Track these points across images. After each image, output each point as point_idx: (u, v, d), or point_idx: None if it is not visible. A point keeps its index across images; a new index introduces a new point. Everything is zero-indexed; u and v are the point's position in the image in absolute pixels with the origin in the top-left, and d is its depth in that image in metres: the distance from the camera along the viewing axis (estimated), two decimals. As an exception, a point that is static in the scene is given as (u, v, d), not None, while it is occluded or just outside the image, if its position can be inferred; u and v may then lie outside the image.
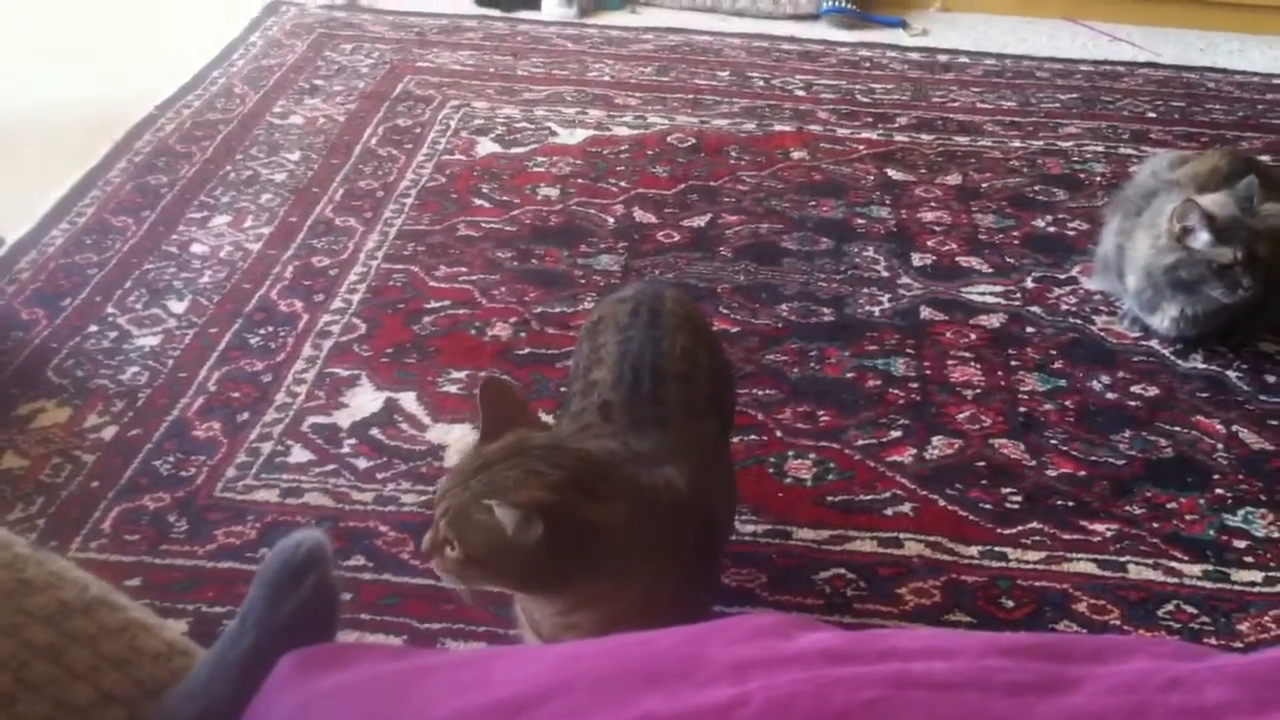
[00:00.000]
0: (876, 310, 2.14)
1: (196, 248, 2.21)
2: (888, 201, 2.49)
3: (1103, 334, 2.11)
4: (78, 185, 2.39)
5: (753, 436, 1.83)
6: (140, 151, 2.53)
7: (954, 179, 2.58)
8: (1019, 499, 1.73)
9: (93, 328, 1.99)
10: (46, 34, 3.14)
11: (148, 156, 2.51)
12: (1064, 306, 2.18)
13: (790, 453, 1.80)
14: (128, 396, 1.83)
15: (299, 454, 1.74)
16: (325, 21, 3.22)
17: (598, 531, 1.18)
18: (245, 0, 3.28)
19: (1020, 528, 1.68)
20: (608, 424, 1.33)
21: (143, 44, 3.09)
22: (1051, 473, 1.78)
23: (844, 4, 3.38)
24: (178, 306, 2.05)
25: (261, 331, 2.00)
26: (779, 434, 1.84)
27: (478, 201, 2.42)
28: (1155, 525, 1.70)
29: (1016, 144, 2.73)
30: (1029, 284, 2.23)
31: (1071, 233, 2.40)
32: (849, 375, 1.97)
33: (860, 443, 1.82)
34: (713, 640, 0.78)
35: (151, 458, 1.72)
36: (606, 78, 3.00)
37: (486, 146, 2.64)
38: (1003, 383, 1.97)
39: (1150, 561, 1.64)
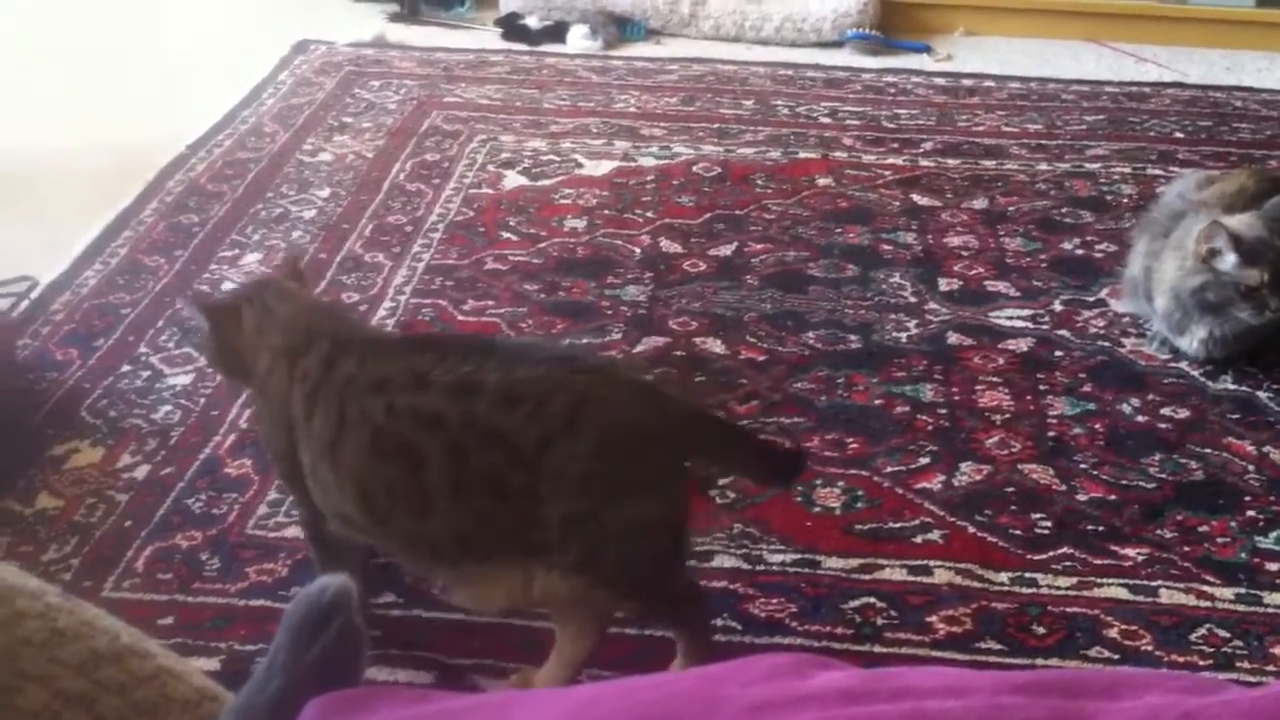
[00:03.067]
0: (904, 336, 2.14)
1: (228, 285, 2.24)
2: (914, 227, 2.49)
3: (1132, 356, 2.10)
4: (110, 226, 2.42)
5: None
6: (172, 191, 2.56)
7: (980, 203, 2.58)
8: (1049, 524, 1.72)
9: (126, 367, 2.01)
10: (78, 76, 3.18)
11: (179, 196, 2.54)
12: (1092, 329, 2.17)
13: (818, 481, 1.80)
14: (160, 435, 1.85)
15: (329, 490, 1.75)
16: (353, 59, 3.26)
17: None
18: (274, 39, 3.32)
19: (1050, 553, 1.67)
20: None
21: (174, 84, 3.13)
22: (1081, 497, 1.78)
23: (868, 30, 3.39)
24: (209, 344, 2.07)
25: (292, 368, 2.01)
26: (807, 462, 1.83)
27: (505, 234, 2.44)
28: (1187, 549, 1.69)
29: (1043, 167, 2.73)
30: (1057, 307, 2.23)
31: (1099, 255, 2.40)
32: (877, 402, 1.97)
33: (889, 470, 1.82)
34: (729, 681, 0.79)
35: (184, 496, 1.74)
36: (632, 109, 3.02)
37: (513, 179, 2.66)
38: (1032, 407, 1.96)
39: (1182, 586, 1.63)
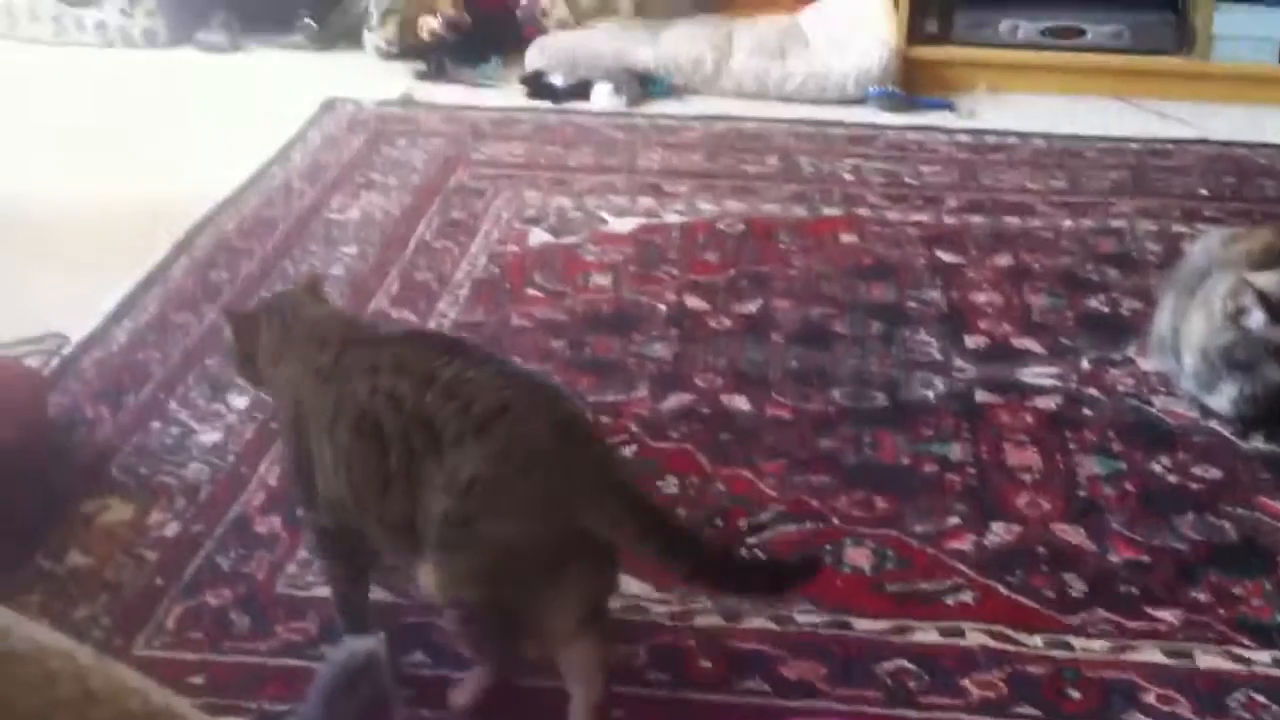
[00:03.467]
0: (931, 394, 2.14)
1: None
2: (939, 284, 2.49)
3: (1162, 415, 2.09)
4: (141, 282, 2.44)
5: (809, 524, 1.82)
6: (201, 248, 2.58)
7: (1005, 260, 2.58)
8: (1082, 586, 1.71)
9: (156, 424, 2.02)
10: (110, 133, 3.22)
11: (209, 253, 2.57)
12: (1121, 387, 2.16)
13: (847, 540, 1.79)
14: (190, 493, 1.86)
15: (358, 548, 1.75)
16: (381, 117, 3.29)
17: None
18: (304, 98, 3.36)
19: (1084, 616, 1.66)
20: None
21: (204, 142, 3.16)
22: (1114, 558, 1.76)
23: (891, 88, 3.41)
24: (239, 402, 2.08)
25: (320, 425, 2.02)
26: (836, 521, 1.83)
27: (530, 291, 2.45)
28: (1222, 611, 1.67)
29: (1067, 224, 2.73)
30: (1085, 365, 2.22)
31: (1126, 312, 2.39)
32: (905, 461, 1.97)
33: (918, 529, 1.81)
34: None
35: (214, 554, 1.74)
36: (656, 166, 3.04)
37: (539, 236, 2.67)
38: (1062, 466, 1.96)
39: (1218, 649, 1.61)
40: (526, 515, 1.35)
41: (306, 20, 3.81)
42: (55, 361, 2.16)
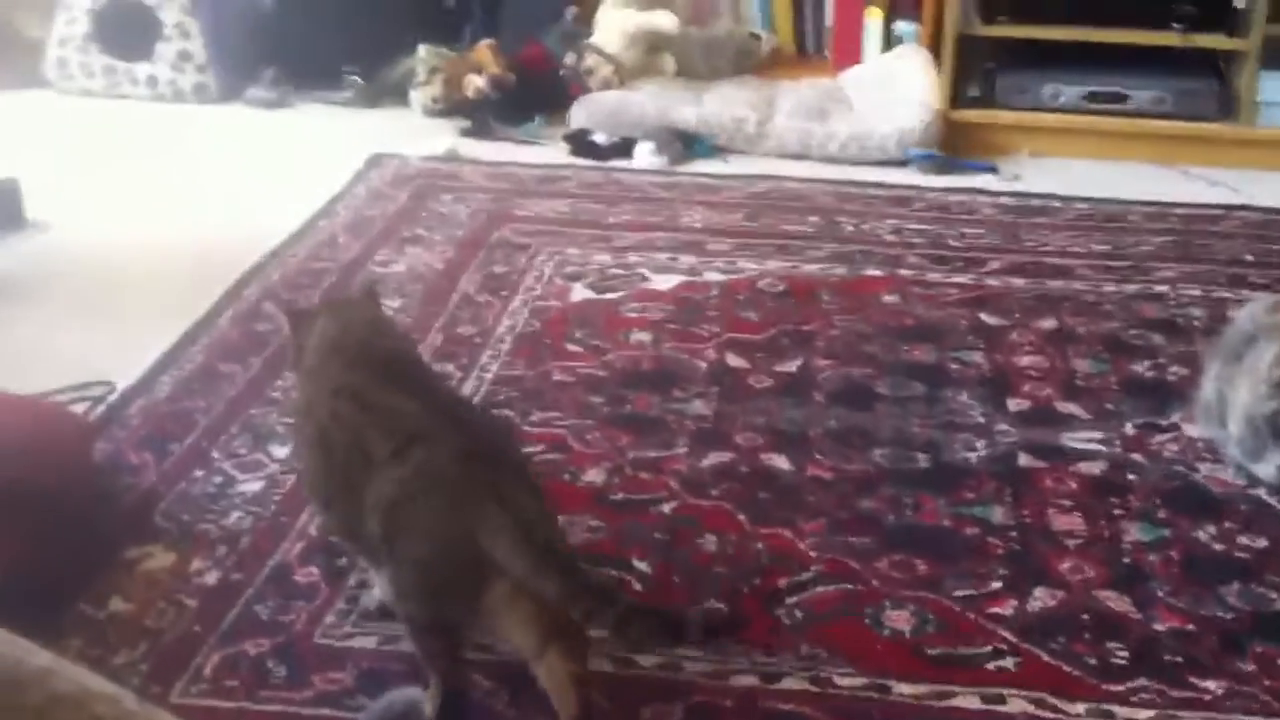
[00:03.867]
0: (973, 456, 2.12)
1: (293, 392, 2.26)
2: (981, 346, 2.48)
3: (1207, 482, 2.07)
4: (188, 331, 2.46)
5: (848, 586, 1.81)
6: (248, 299, 2.61)
7: (1049, 323, 2.57)
8: (1125, 654, 1.69)
9: (199, 472, 2.03)
10: (160, 185, 3.27)
11: (255, 304, 2.59)
12: (1166, 453, 2.14)
13: (887, 603, 1.78)
14: (231, 541, 1.87)
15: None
16: (426, 172, 3.32)
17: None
18: (351, 153, 3.40)
19: (1128, 684, 1.63)
20: None
21: (252, 195, 3.21)
22: (1159, 626, 1.74)
23: (933, 150, 3.42)
24: (280, 452, 2.09)
25: (361, 476, 2.03)
26: (875, 583, 1.82)
27: (571, 347, 2.46)
28: (1268, 682, 1.64)
29: (1111, 288, 2.72)
30: (1129, 430, 2.20)
31: (1171, 378, 2.38)
32: (946, 523, 1.95)
33: (959, 593, 1.80)
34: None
35: (252, 603, 1.75)
36: (698, 224, 3.05)
37: (580, 292, 2.68)
38: (1106, 532, 1.94)
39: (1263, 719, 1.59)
40: (430, 537, 1.44)
41: (354, 77, 3.87)
42: (102, 408, 2.18)
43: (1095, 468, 2.10)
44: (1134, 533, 1.93)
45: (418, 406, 1.52)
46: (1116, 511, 1.98)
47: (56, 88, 3.92)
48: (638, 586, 1.79)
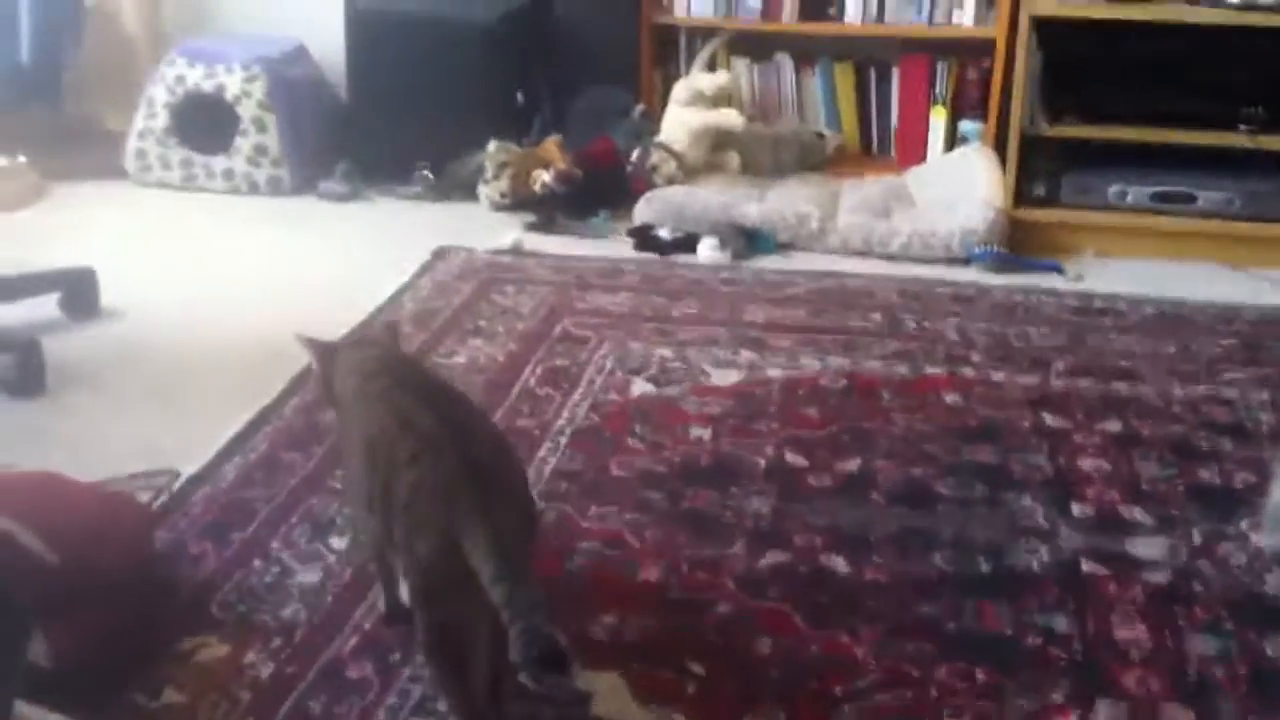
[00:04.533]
0: (1035, 562, 2.09)
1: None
2: (1045, 448, 2.45)
3: (1276, 593, 2.02)
4: (251, 422, 2.49)
5: (906, 693, 1.78)
6: (312, 390, 2.64)
7: (1114, 426, 2.54)
8: (1192, 771, 1.64)
9: (257, 562, 2.05)
10: (231, 274, 3.34)
11: (319, 395, 2.62)
12: (1234, 563, 2.09)
13: (945, 711, 1.74)
14: (286, 634, 1.87)
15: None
16: (491, 265, 3.36)
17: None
18: (418, 246, 3.45)
19: (1194, 803, 1.59)
20: None
21: (321, 286, 3.26)
22: (1226, 743, 1.69)
23: (997, 248, 3.41)
24: (339, 543, 2.10)
25: (417, 570, 2.03)
26: (933, 692, 1.78)
27: (630, 441, 2.46)
28: (1343, 805, 1.59)
29: (1178, 391, 2.68)
30: (1196, 538, 2.16)
31: (1239, 485, 2.33)
32: (1008, 631, 1.92)
33: (1021, 704, 1.76)
34: None
35: (305, 698, 1.74)
36: (759, 320, 3.06)
37: (640, 386, 2.69)
38: (1171, 644, 1.89)
39: (1339, 847, 1.53)
40: (428, 539, 1.54)
41: (424, 172, 3.94)
42: (165, 496, 2.21)
43: (1160, 576, 2.05)
44: (1200, 644, 1.89)
45: (434, 419, 1.64)
46: (1182, 622, 1.94)
47: (134, 179, 4.03)
48: (692, 689, 1.77)
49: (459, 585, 1.50)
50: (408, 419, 1.65)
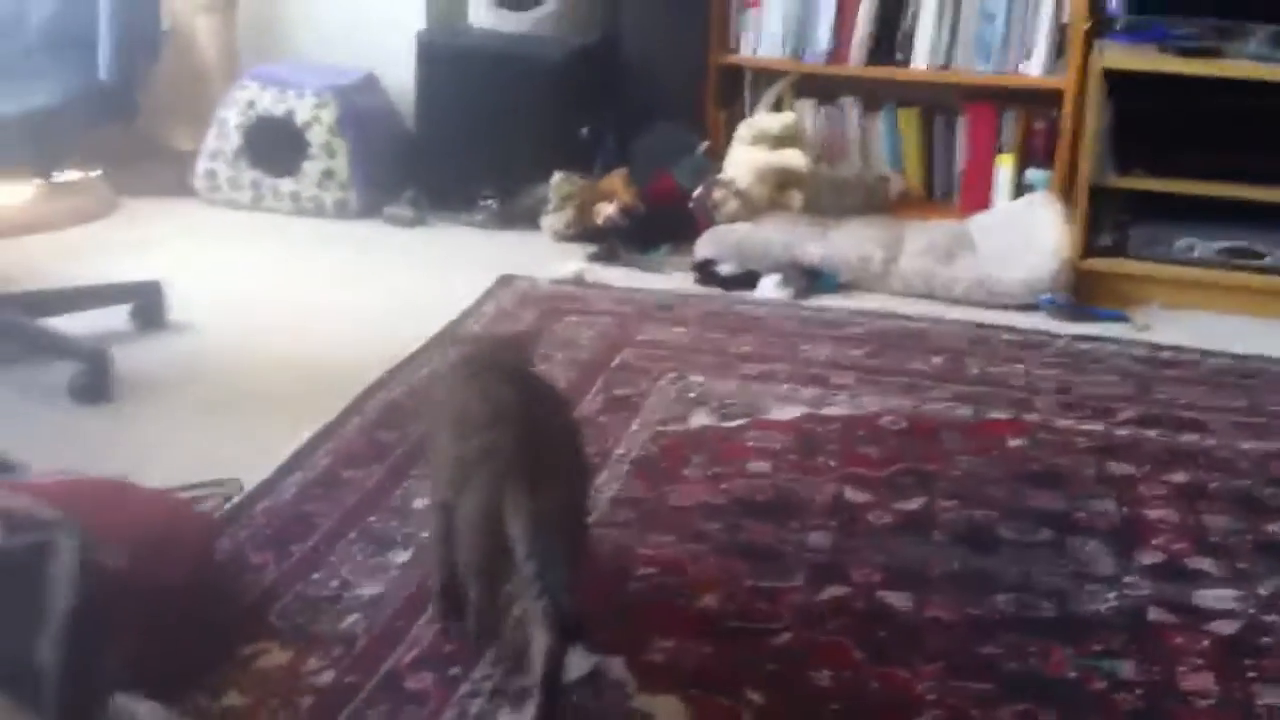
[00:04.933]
0: (1101, 608, 2.06)
1: (419, 502, 2.28)
2: (1111, 495, 2.42)
3: (1348, 649, 1.98)
4: (314, 438, 2.51)
5: (968, 733, 1.75)
6: (373, 409, 2.65)
7: (1180, 477, 2.51)
8: (1261, 824, 1.60)
9: (316, 575, 2.05)
10: (296, 295, 3.38)
11: (380, 414, 2.63)
12: (1303, 617, 2.06)
13: (1008, 753, 1.72)
14: (346, 644, 1.87)
15: (507, 716, 1.74)
16: (553, 295, 3.38)
17: None
18: (480, 273, 3.48)
19: None
20: None
21: (384, 309, 3.29)
22: (1296, 798, 1.66)
23: (1063, 296, 3.39)
24: (399, 558, 2.11)
25: (476, 588, 2.03)
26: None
27: (688, 472, 2.45)
28: None
29: (1247, 445, 2.65)
30: (1263, 592, 2.12)
31: (1309, 540, 2.29)
32: (1071, 675, 1.89)
33: (1084, 748, 1.73)
34: None
35: (364, 707, 1.74)
36: (820, 358, 3.05)
37: (700, 419, 2.69)
38: (1238, 695, 1.86)
39: None
40: (476, 502, 1.69)
41: (489, 201, 3.97)
42: (228, 506, 2.22)
43: (1228, 627, 2.02)
44: (1267, 697, 1.85)
45: (514, 398, 1.77)
46: (1250, 674, 1.90)
47: (203, 198, 4.09)
48: (749, 717, 1.75)
49: (493, 549, 1.66)
50: (489, 393, 1.78)
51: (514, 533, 1.63)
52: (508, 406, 1.75)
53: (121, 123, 3.00)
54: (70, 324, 2.90)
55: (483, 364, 1.91)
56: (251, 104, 4.03)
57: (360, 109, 4.06)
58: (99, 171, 3.99)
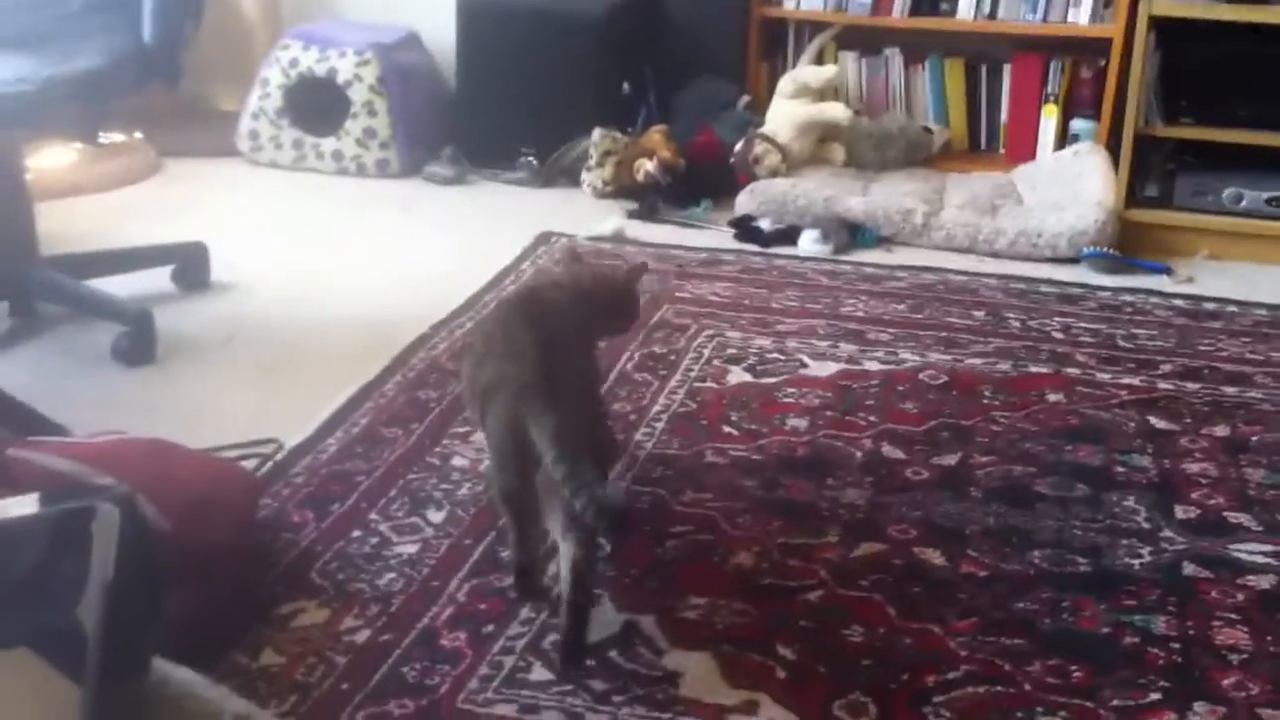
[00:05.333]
0: (1136, 563, 2.05)
1: (458, 460, 2.31)
2: (1150, 450, 2.41)
3: (1387, 604, 1.96)
4: (354, 396, 2.53)
5: (999, 688, 1.76)
6: (414, 368, 2.68)
7: (1221, 430, 2.48)
8: (1293, 780, 1.60)
9: (356, 533, 2.08)
10: (337, 254, 3.40)
11: (420, 373, 2.66)
12: (1343, 572, 2.04)
13: (1039, 709, 1.72)
14: (383, 601, 1.90)
15: (539, 671, 1.76)
16: (592, 251, 3.38)
17: None
18: (520, 230, 3.49)
19: (1295, 812, 1.55)
20: None
21: (425, 267, 3.31)
22: (1330, 753, 1.65)
23: (1106, 249, 3.35)
24: (436, 516, 2.13)
25: (512, 546, 2.06)
26: (1027, 687, 1.76)
27: (726, 429, 2.46)
28: None
29: (1290, 397, 2.62)
30: (1304, 545, 2.11)
31: (1351, 493, 2.27)
32: (1105, 630, 1.89)
33: (1115, 703, 1.73)
34: None
35: (400, 664, 1.77)
36: (859, 313, 3.04)
37: (738, 375, 2.69)
38: (1273, 649, 1.85)
39: None
40: (500, 420, 1.80)
41: (529, 158, 3.97)
42: (269, 465, 2.25)
43: (1264, 581, 2.01)
44: (1306, 652, 1.84)
45: (533, 335, 1.86)
46: (1287, 629, 1.90)
47: (246, 158, 4.12)
48: (782, 674, 1.77)
49: (516, 463, 1.79)
50: (508, 328, 1.91)
51: (541, 447, 1.72)
52: (522, 343, 1.85)
53: (165, 84, 3.02)
54: (114, 285, 2.94)
55: (509, 304, 2.04)
56: (294, 63, 4.05)
57: (402, 67, 4.07)
58: (142, 133, 4.02)
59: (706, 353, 2.79)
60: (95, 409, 2.44)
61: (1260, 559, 2.07)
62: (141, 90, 2.97)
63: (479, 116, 4.06)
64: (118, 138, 3.94)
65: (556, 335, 1.91)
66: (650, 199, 3.71)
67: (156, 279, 3.09)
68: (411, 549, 2.04)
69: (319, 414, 2.46)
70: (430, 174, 4.00)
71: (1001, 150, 4.03)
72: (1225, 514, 2.20)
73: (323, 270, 3.29)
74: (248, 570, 1.95)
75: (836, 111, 3.87)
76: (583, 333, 2.08)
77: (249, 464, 2.23)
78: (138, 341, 2.73)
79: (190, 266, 3.13)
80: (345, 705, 1.69)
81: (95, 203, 3.73)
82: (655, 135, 3.82)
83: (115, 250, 3.14)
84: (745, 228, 3.55)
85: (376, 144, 4.01)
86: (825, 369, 2.72)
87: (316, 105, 4.04)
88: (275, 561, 2.00)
